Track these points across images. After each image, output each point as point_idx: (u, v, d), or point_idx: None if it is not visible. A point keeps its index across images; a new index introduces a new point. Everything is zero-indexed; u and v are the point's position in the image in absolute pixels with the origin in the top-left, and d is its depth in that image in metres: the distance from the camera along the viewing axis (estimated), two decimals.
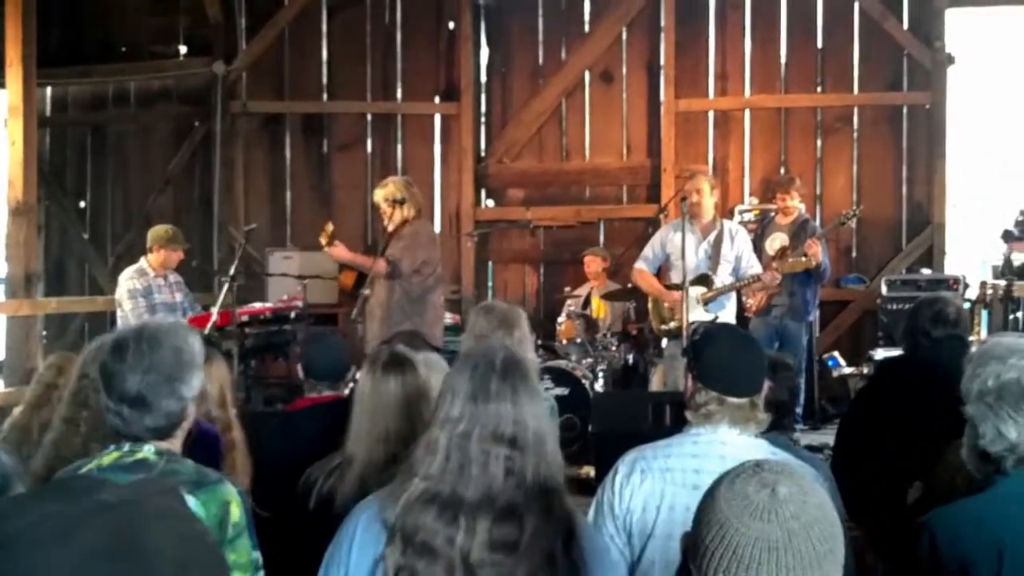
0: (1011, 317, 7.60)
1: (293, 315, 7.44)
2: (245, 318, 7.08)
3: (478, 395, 2.19)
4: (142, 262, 7.26)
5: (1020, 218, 8.21)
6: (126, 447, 2.43)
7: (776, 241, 7.85)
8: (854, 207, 7.92)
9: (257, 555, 2.44)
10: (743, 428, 2.71)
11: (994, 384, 2.25)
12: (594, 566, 2.20)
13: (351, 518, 2.31)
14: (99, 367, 2.46)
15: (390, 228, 6.63)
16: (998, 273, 8.33)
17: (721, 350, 2.78)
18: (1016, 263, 8.20)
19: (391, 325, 6.47)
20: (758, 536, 1.38)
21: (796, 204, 7.94)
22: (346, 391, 4.05)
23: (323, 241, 6.59)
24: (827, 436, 7.09)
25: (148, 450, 2.42)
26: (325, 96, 10.19)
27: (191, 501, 2.32)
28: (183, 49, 10.23)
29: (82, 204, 10.51)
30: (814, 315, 8.18)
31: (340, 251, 6.65)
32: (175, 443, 2.49)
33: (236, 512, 2.39)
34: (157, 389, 2.37)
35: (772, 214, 8.20)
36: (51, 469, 2.70)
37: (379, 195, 6.72)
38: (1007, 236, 8.26)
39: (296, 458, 3.66)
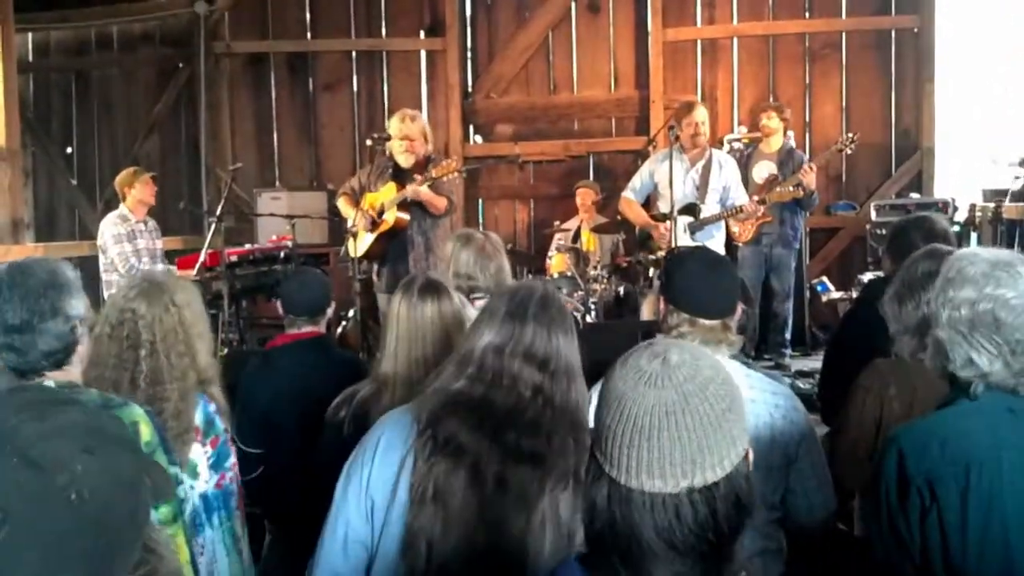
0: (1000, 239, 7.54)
1: (283, 255, 7.41)
2: (234, 259, 7.04)
3: (516, 315, 2.26)
4: (122, 208, 7.19)
5: None
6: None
7: (764, 170, 7.80)
8: (851, 134, 7.57)
9: (175, 470, 2.52)
10: (715, 349, 2.69)
11: (968, 313, 2.16)
12: None
13: (378, 425, 2.35)
14: None
15: (408, 163, 6.16)
16: (1013, 197, 8.11)
17: (691, 273, 2.79)
18: None
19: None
20: (654, 403, 1.37)
21: (775, 126, 7.85)
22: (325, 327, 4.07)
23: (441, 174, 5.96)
24: (818, 362, 7.14)
25: (49, 385, 2.38)
26: (309, 34, 10.09)
27: None
28: None
29: (69, 150, 10.47)
30: (802, 242, 8.17)
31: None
32: (72, 372, 2.48)
33: (146, 431, 2.42)
34: (40, 311, 2.37)
35: (758, 143, 8.13)
36: None
37: (412, 128, 6.16)
38: None
39: (276, 393, 3.70)
